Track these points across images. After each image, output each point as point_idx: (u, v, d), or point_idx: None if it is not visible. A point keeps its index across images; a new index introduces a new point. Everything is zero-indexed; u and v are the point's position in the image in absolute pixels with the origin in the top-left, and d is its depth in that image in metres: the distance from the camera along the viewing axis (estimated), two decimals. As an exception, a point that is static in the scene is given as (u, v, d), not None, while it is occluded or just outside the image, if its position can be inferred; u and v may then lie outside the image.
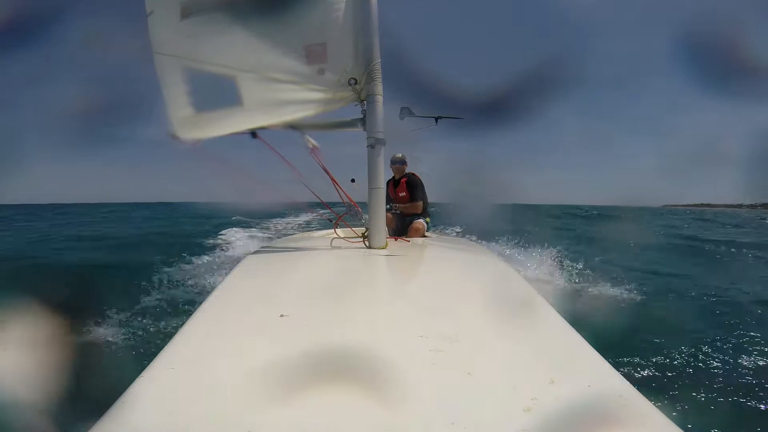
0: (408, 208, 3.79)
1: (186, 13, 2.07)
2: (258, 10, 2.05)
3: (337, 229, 2.30)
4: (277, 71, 2.10)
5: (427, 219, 3.85)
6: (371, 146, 2.08)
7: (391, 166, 3.91)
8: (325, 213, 2.48)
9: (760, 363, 2.95)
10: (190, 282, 4.90)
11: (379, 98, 2.06)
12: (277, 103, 2.15)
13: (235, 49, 2.10)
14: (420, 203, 3.79)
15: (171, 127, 2.32)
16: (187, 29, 2.11)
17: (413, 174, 3.90)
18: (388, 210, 3.76)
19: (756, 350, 3.13)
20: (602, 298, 4.52)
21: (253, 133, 2.27)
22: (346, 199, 2.24)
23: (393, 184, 3.97)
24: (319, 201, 2.32)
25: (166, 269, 5.36)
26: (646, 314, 4.07)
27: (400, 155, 3.90)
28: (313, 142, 2.22)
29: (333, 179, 2.24)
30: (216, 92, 2.23)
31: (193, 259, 6.23)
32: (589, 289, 4.84)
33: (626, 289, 4.71)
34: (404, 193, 3.88)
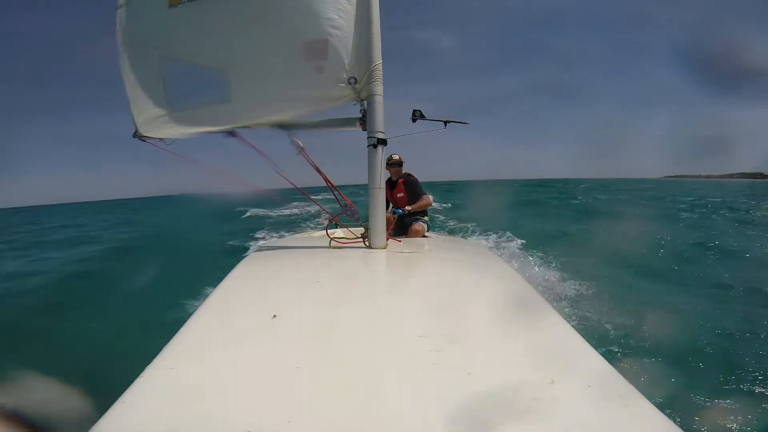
0: (420, 206, 3.70)
1: (176, 1, 1.96)
2: (259, 3, 1.96)
3: (337, 229, 2.28)
4: (274, 67, 2.03)
5: (426, 219, 3.83)
6: (372, 146, 2.07)
7: (387, 168, 3.87)
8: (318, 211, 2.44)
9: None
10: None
11: (380, 98, 2.03)
12: (270, 99, 2.07)
13: (230, 41, 2.00)
14: (426, 197, 3.74)
15: (137, 126, 2.19)
16: (174, 19, 1.99)
17: (409, 174, 3.85)
18: (392, 213, 3.72)
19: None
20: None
21: (231, 131, 2.13)
22: (342, 200, 2.18)
23: (389, 186, 3.93)
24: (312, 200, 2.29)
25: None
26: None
27: (396, 157, 3.83)
28: (300, 143, 2.14)
29: (327, 179, 2.18)
30: (201, 87, 2.09)
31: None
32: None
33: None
34: (402, 194, 3.82)
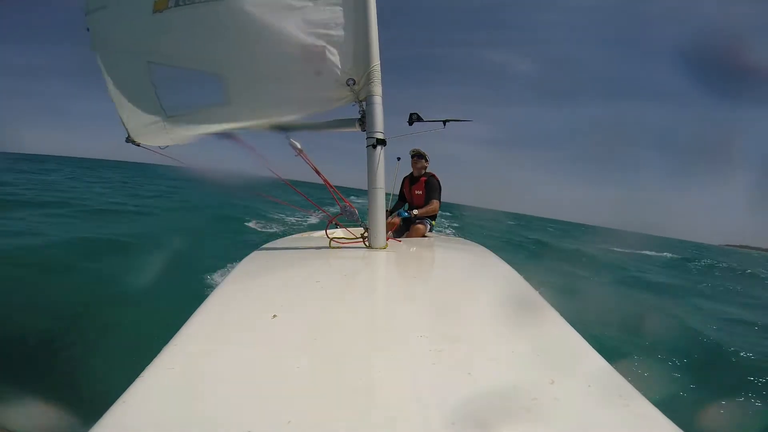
0: (426, 212, 3.68)
1: (161, 6, 1.95)
2: (253, 7, 1.95)
3: (337, 229, 2.28)
4: (272, 70, 2.04)
5: (433, 222, 3.81)
6: (371, 146, 2.08)
7: (412, 159, 3.81)
8: (319, 213, 2.44)
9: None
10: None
11: (378, 99, 2.04)
12: (268, 102, 2.07)
13: (225, 46, 2.00)
14: (436, 203, 3.69)
15: (129, 132, 2.17)
16: (162, 24, 1.98)
17: (433, 175, 3.80)
18: (398, 215, 3.70)
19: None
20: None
21: (228, 134, 2.11)
22: (341, 200, 2.18)
23: (410, 180, 3.90)
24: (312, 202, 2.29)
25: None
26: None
27: (418, 148, 3.78)
28: (298, 145, 2.13)
29: (325, 180, 2.18)
30: (196, 92, 2.09)
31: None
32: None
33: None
34: (420, 192, 3.78)
